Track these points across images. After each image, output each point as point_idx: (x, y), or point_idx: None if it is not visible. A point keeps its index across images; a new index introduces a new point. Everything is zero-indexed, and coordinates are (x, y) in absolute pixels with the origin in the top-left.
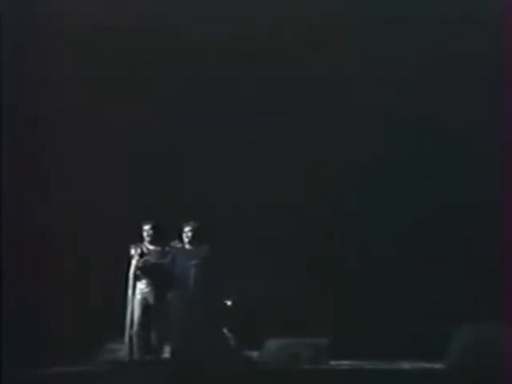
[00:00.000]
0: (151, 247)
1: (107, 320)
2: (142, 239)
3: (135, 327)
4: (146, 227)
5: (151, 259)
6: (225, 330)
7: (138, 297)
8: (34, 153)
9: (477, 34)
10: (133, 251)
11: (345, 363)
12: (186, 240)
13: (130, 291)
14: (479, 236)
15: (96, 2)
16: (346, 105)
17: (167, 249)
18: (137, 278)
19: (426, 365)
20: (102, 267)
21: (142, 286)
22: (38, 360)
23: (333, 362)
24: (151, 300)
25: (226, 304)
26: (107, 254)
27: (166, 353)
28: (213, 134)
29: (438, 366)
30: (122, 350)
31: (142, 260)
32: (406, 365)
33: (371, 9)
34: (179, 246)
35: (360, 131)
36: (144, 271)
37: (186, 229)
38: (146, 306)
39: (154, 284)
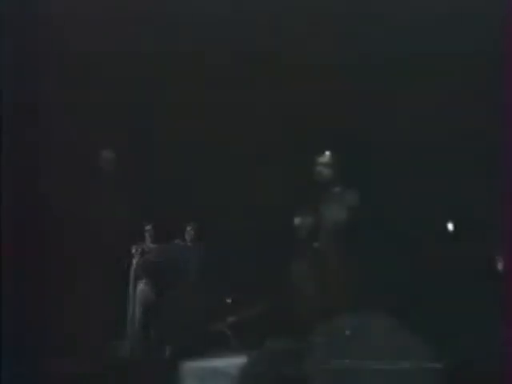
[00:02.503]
0: (152, 246)
1: (107, 319)
2: (143, 238)
3: (135, 326)
4: (148, 226)
5: (152, 258)
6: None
7: (139, 296)
8: (34, 153)
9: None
10: (133, 250)
11: None
12: (188, 239)
13: (130, 290)
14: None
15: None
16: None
17: (168, 247)
18: (138, 277)
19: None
20: (102, 266)
21: (142, 284)
22: (37, 360)
23: None
24: (152, 298)
25: (226, 302)
26: (107, 252)
27: (167, 351)
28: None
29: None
30: (122, 349)
31: (142, 259)
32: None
33: None
34: (181, 244)
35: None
36: (145, 270)
37: (189, 228)
38: (146, 305)
39: (155, 283)
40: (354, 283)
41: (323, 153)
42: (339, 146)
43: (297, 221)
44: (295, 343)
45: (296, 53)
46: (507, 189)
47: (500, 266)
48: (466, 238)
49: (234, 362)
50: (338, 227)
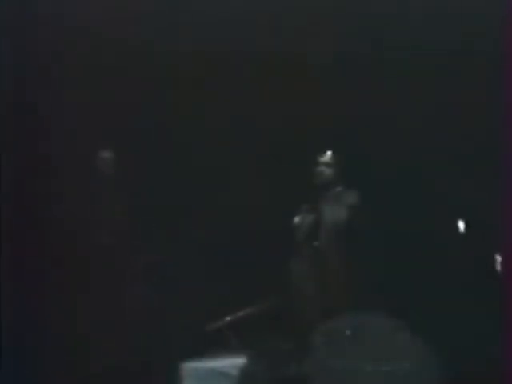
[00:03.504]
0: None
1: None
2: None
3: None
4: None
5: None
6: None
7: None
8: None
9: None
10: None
11: None
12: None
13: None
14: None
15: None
16: None
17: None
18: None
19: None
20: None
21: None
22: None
23: None
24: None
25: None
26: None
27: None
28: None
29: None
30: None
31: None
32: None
33: None
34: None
35: None
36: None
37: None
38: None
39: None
40: (354, 283)
41: (323, 153)
42: (339, 146)
43: (297, 221)
44: (295, 343)
45: (296, 52)
46: (507, 189)
47: (500, 266)
48: (466, 238)
49: (233, 362)
50: (338, 227)
